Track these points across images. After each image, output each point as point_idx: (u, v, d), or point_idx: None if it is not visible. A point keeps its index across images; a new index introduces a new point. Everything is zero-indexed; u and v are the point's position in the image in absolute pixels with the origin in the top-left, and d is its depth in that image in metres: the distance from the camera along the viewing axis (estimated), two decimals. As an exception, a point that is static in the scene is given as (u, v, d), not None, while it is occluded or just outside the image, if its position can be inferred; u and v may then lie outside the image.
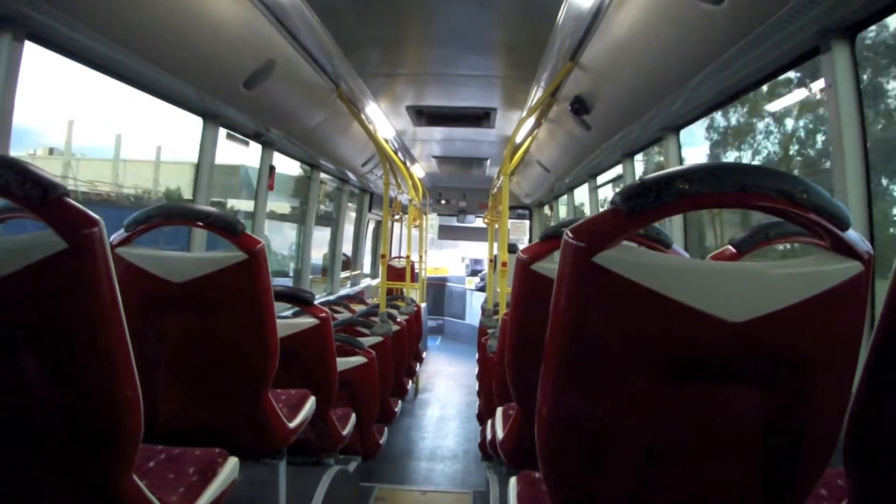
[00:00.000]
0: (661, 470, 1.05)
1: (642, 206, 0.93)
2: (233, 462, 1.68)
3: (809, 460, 1.06)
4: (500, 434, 2.16)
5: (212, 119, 3.53)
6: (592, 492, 1.08)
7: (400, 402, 5.82)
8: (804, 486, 1.08)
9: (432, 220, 11.51)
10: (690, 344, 0.98)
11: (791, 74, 2.63)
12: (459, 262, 15.43)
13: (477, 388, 6.11)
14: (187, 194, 3.82)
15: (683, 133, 3.60)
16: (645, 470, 1.05)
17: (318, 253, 6.62)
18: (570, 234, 0.96)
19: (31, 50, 2.18)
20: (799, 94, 3.00)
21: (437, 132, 6.13)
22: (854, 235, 0.97)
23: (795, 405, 1.01)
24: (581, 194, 6.60)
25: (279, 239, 6.69)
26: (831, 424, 1.02)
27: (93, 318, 1.14)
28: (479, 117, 5.29)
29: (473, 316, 11.24)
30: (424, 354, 8.40)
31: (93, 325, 1.14)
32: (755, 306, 0.95)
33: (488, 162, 7.68)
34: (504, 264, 4.39)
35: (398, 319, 5.44)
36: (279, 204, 6.32)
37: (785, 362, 0.98)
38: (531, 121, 4.61)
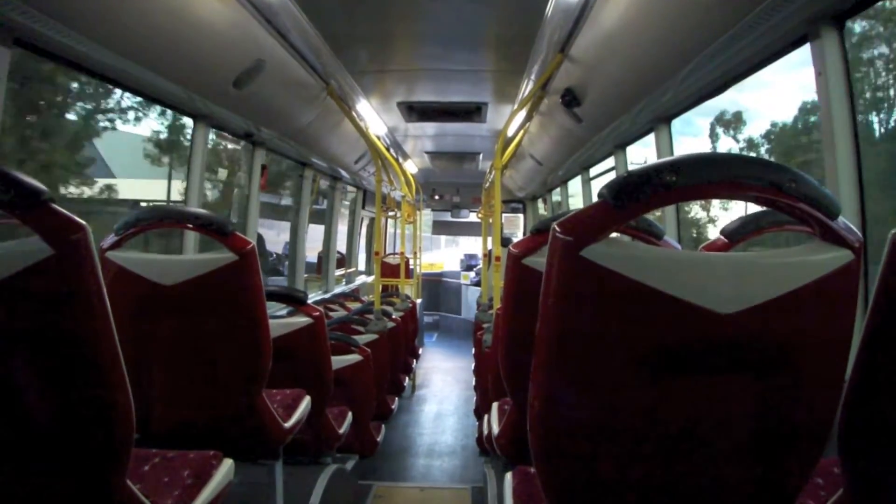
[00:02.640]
0: (653, 462, 1.05)
1: (630, 199, 0.92)
2: (228, 464, 1.68)
3: (804, 450, 1.05)
4: (495, 429, 2.16)
5: (202, 119, 3.51)
6: (585, 485, 1.08)
7: (397, 399, 5.82)
8: (799, 475, 1.08)
9: (426, 216, 11.51)
10: (681, 336, 0.97)
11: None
12: (459, 262, 15.18)
13: (474, 383, 6.12)
14: None
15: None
16: (637, 462, 1.05)
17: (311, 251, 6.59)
18: (557, 228, 0.96)
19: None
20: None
21: (429, 128, 6.13)
22: (844, 224, 0.97)
23: (788, 395, 1.00)
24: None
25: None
26: (825, 414, 1.02)
27: (82, 324, 1.13)
28: (471, 112, 5.29)
29: (469, 311, 11.24)
30: (420, 351, 8.40)
31: (82, 331, 1.13)
32: (746, 297, 0.95)
33: (481, 156, 7.68)
34: (498, 258, 4.39)
35: (393, 316, 5.43)
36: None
37: (777, 352, 0.98)
38: (522, 114, 4.61)
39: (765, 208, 1.32)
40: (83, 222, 1.10)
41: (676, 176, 0.91)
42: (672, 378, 1.00)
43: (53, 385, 1.15)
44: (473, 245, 15.77)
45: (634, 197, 0.92)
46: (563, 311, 0.98)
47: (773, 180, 0.91)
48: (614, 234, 0.96)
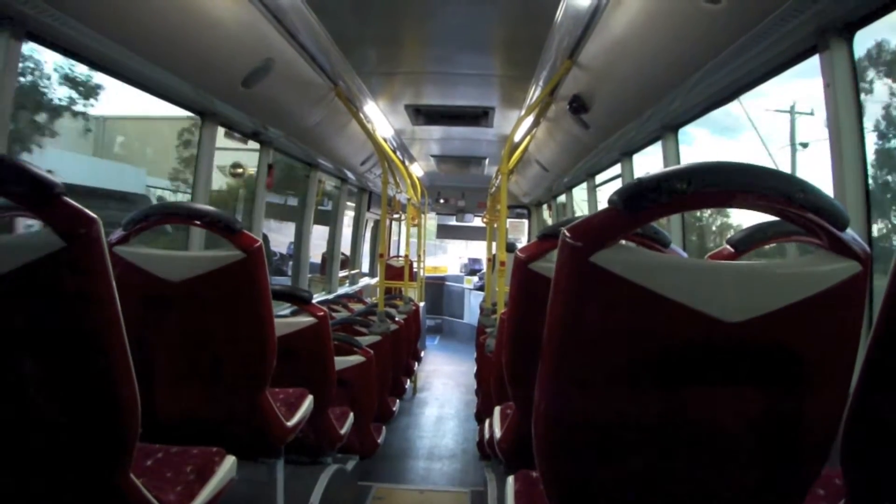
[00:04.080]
0: (658, 468, 1.05)
1: (640, 206, 0.93)
2: (230, 461, 1.68)
3: (807, 460, 1.06)
4: (497, 433, 2.16)
5: (210, 117, 3.53)
6: (589, 490, 1.08)
7: (398, 401, 5.81)
8: (801, 485, 1.08)
9: (430, 219, 11.51)
10: (687, 343, 0.98)
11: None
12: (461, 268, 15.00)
13: (475, 387, 6.11)
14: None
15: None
16: (641, 468, 1.05)
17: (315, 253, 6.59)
18: (567, 234, 0.96)
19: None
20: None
21: (436, 131, 6.14)
22: (852, 235, 0.97)
23: (792, 405, 1.01)
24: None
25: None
26: (829, 424, 1.02)
27: (90, 317, 1.14)
28: (478, 116, 5.30)
29: (472, 315, 11.23)
30: (423, 353, 8.39)
31: (90, 325, 1.14)
32: (752, 306, 0.95)
33: (487, 161, 7.68)
34: (502, 263, 4.39)
35: (396, 318, 5.43)
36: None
37: (782, 362, 0.98)
38: (529, 120, 4.61)
39: (773, 218, 1.32)
40: (95, 216, 1.10)
41: (687, 184, 0.91)
42: (677, 384, 1.00)
43: (61, 377, 1.16)
44: (464, 250, 15.73)
45: (644, 204, 0.93)
46: (572, 316, 0.99)
47: (782, 190, 0.91)
48: (621, 242, 0.97)
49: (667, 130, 3.58)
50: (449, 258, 16.79)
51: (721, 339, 0.97)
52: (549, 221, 8.89)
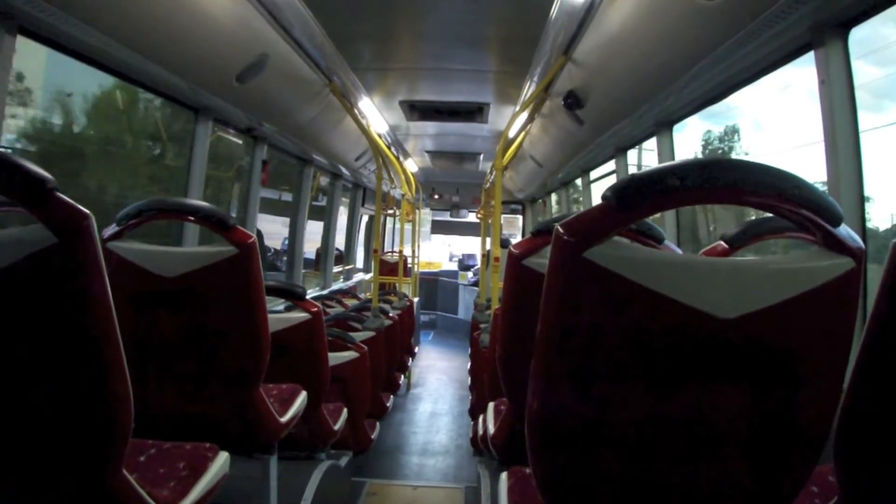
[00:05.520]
0: (650, 465, 1.05)
1: (633, 202, 0.93)
2: (223, 457, 1.67)
3: (800, 457, 1.06)
4: (491, 429, 2.16)
5: (204, 113, 3.52)
6: (581, 487, 1.08)
7: (392, 396, 5.81)
8: (795, 482, 1.08)
9: (425, 215, 11.49)
10: (680, 339, 0.98)
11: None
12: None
13: (469, 383, 6.11)
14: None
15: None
16: (634, 465, 1.05)
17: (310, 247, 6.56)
18: (560, 230, 0.96)
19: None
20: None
21: (431, 127, 6.13)
22: (846, 232, 0.97)
23: (786, 401, 1.01)
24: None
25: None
26: (822, 421, 1.02)
27: (83, 313, 1.13)
28: (472, 112, 5.29)
29: (466, 311, 11.24)
30: (417, 349, 8.39)
31: (83, 320, 1.13)
32: (746, 302, 0.95)
33: (481, 157, 7.68)
34: (496, 259, 4.39)
35: (390, 314, 5.43)
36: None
37: (775, 358, 0.98)
38: (524, 116, 4.61)
39: (767, 214, 1.32)
40: (87, 212, 1.09)
41: (680, 180, 0.91)
42: (670, 380, 1.00)
43: (53, 373, 1.15)
44: (449, 238, 15.69)
45: (637, 200, 0.93)
46: (565, 312, 0.99)
47: (776, 186, 0.91)
48: (615, 238, 0.97)
49: (661, 126, 3.59)
50: (433, 246, 16.76)
51: (714, 335, 0.97)
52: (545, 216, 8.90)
